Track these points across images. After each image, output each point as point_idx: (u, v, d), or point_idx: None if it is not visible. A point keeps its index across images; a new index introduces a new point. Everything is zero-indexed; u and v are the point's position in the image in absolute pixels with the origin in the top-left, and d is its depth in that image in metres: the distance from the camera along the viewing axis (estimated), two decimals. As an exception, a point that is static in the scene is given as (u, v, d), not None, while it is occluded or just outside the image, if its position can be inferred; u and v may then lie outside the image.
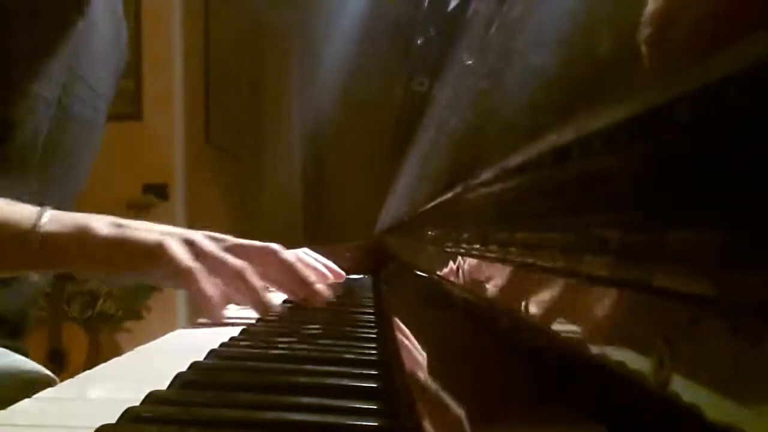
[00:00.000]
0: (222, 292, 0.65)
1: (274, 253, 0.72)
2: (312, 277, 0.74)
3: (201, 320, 0.69)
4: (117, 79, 0.91)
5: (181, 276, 0.63)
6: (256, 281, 0.66)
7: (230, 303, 0.69)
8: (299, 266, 0.73)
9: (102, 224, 0.64)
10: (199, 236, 0.67)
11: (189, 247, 0.65)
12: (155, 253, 0.63)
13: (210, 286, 0.63)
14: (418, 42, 1.00)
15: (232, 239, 0.71)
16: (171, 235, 0.66)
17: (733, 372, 0.11)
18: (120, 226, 0.65)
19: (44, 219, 0.63)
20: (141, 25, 2.78)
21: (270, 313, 0.67)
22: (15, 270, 0.67)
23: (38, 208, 0.64)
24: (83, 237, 0.63)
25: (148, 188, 2.80)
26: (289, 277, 0.72)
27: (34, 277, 0.66)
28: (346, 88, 3.51)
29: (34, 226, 0.62)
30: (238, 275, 0.66)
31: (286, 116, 4.01)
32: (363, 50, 3.39)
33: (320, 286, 0.73)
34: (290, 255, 0.73)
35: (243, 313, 0.70)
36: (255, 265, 0.68)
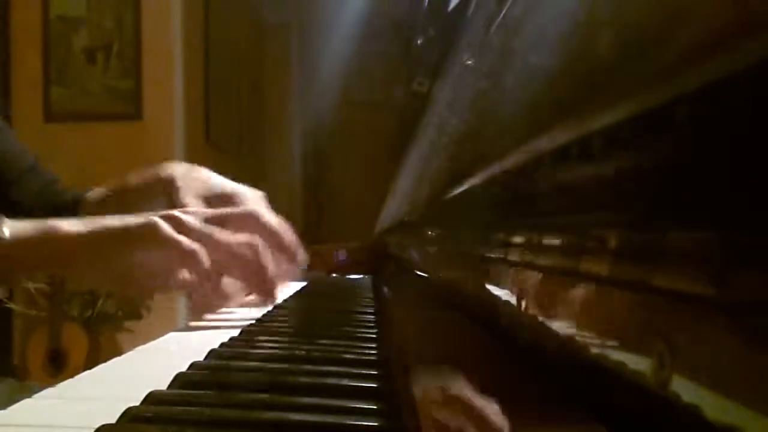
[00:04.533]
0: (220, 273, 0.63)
1: (254, 217, 0.68)
2: (293, 243, 0.71)
3: (196, 322, 0.68)
4: None
5: (180, 256, 0.61)
6: (244, 253, 0.64)
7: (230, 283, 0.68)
8: (284, 233, 0.69)
9: (70, 223, 0.63)
10: (177, 212, 0.65)
11: (172, 224, 0.63)
12: (145, 233, 0.62)
13: (208, 266, 0.62)
14: (418, 42, 1.00)
15: (208, 210, 0.68)
16: (152, 215, 0.63)
17: (733, 372, 0.11)
18: (92, 220, 0.63)
19: (4, 226, 0.61)
20: (141, 24, 2.78)
21: (273, 297, 0.64)
22: None
23: None
24: (53, 237, 0.62)
25: (148, 188, 2.80)
26: (274, 243, 0.68)
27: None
28: (346, 88, 3.52)
29: None
30: (224, 250, 0.63)
31: (286, 116, 4.01)
32: (363, 50, 3.39)
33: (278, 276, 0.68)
34: (272, 218, 0.70)
35: (240, 315, 0.70)
36: (237, 231, 0.66)
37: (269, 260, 0.65)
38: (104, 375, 0.46)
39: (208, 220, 0.66)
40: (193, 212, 0.67)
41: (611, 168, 0.17)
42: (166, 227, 0.62)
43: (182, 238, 0.62)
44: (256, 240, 0.66)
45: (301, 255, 0.71)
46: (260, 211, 0.69)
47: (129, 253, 0.63)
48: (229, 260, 0.64)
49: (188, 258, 0.62)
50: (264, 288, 0.65)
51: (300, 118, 4.01)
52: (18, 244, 0.61)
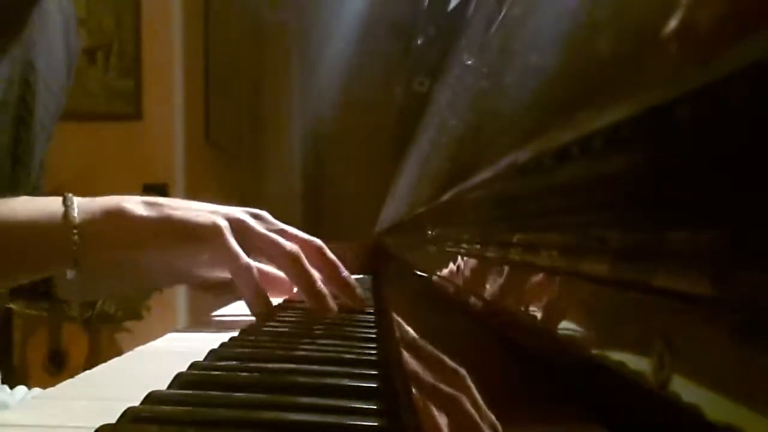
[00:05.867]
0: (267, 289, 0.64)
1: (319, 249, 0.68)
2: (354, 284, 0.70)
3: (215, 313, 0.69)
4: (70, 73, 0.84)
5: (234, 270, 0.62)
6: (311, 268, 0.64)
7: (279, 296, 0.69)
8: (344, 270, 0.69)
9: (134, 205, 0.61)
10: (244, 215, 0.65)
11: (237, 227, 0.63)
12: (209, 236, 0.61)
13: (260, 284, 0.62)
14: (418, 42, 1.00)
15: (277, 222, 0.69)
16: (215, 213, 0.63)
17: (733, 372, 0.11)
18: (154, 204, 0.62)
19: (74, 208, 0.60)
20: (141, 25, 2.78)
21: (326, 308, 0.64)
22: (52, 267, 0.63)
23: (60, 198, 0.60)
24: (120, 220, 0.61)
25: (148, 188, 2.80)
26: (333, 279, 0.68)
27: (71, 275, 0.62)
28: (346, 88, 3.52)
29: (66, 217, 0.59)
30: (293, 259, 0.63)
31: (286, 116, 4.01)
32: (363, 50, 3.39)
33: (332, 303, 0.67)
34: (334, 257, 0.70)
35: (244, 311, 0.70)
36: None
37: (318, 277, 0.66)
38: (104, 375, 0.46)
39: (276, 232, 0.66)
40: (262, 217, 0.67)
41: (611, 168, 0.17)
42: (229, 235, 0.62)
43: (240, 253, 0.62)
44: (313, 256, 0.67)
45: (360, 291, 0.71)
46: (324, 246, 0.69)
47: (188, 248, 0.62)
48: (284, 265, 0.64)
49: (240, 274, 0.62)
50: (316, 296, 0.64)
51: (300, 118, 4.01)
52: (86, 224, 0.60)
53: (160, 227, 0.61)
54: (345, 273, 0.70)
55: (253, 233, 0.64)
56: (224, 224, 0.62)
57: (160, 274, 0.67)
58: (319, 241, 0.70)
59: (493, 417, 0.22)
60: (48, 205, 0.60)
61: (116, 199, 0.63)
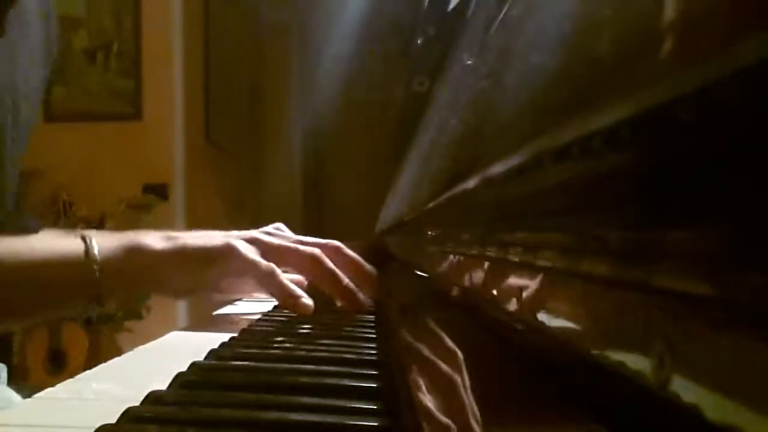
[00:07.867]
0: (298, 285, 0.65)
1: (337, 249, 0.70)
2: (374, 275, 0.72)
3: (216, 312, 0.69)
4: (47, 77, 0.80)
5: (259, 277, 0.63)
6: (333, 266, 0.65)
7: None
8: (366, 265, 0.71)
9: (152, 240, 0.63)
10: (258, 233, 0.67)
11: (254, 245, 0.64)
12: (224, 254, 0.62)
13: (287, 282, 0.63)
14: (418, 42, 1.00)
15: (292, 234, 0.70)
16: (229, 236, 0.65)
17: (733, 372, 0.11)
18: (172, 237, 0.63)
19: (94, 246, 0.60)
20: (141, 25, 2.78)
21: (357, 303, 0.65)
22: (73, 306, 0.63)
23: (78, 235, 0.61)
24: (139, 256, 0.61)
25: (148, 188, 2.80)
26: (356, 274, 0.69)
27: (93, 311, 0.63)
28: (346, 88, 3.51)
29: (88, 255, 0.59)
30: (315, 261, 0.64)
31: (286, 116, 4.00)
32: (363, 50, 3.38)
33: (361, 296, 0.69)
34: (353, 253, 0.71)
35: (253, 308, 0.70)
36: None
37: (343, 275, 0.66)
38: (104, 375, 0.46)
39: (290, 242, 0.67)
40: (275, 233, 0.68)
41: (611, 168, 0.17)
42: (244, 249, 0.63)
43: (259, 260, 0.63)
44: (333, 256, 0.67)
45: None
46: (342, 245, 0.70)
47: (209, 272, 0.64)
48: (314, 274, 0.65)
49: (266, 279, 0.63)
50: (344, 292, 0.65)
51: (300, 119, 4.01)
52: (107, 263, 0.60)
53: (177, 257, 0.63)
54: (368, 267, 0.71)
55: (271, 246, 0.65)
56: (238, 242, 0.64)
57: (183, 295, 0.68)
58: (335, 242, 0.71)
59: (492, 417, 0.22)
60: (64, 243, 0.61)
61: (135, 235, 0.64)
